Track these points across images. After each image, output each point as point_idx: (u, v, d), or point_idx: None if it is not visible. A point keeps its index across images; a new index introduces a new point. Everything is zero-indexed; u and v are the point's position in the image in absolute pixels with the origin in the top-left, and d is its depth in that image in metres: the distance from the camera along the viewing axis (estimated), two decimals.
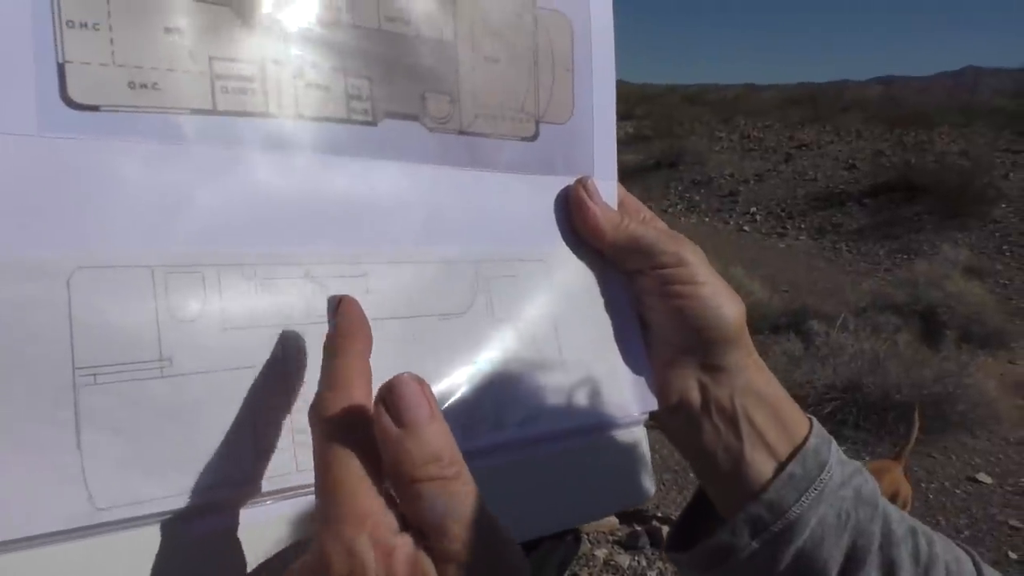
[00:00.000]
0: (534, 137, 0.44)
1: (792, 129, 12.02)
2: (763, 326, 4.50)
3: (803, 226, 8.07)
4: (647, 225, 0.45)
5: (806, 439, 0.43)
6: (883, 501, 0.44)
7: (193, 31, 0.32)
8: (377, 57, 0.37)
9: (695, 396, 0.44)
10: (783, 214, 8.44)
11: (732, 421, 0.44)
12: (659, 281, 0.43)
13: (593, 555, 2.63)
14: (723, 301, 0.43)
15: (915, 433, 2.54)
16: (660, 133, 11.46)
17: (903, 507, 2.35)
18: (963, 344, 4.04)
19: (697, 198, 9.37)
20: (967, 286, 4.77)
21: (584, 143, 0.45)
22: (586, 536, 2.68)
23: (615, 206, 0.46)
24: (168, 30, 0.31)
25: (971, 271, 5.62)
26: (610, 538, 2.74)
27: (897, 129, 10.85)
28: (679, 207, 9.08)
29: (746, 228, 8.25)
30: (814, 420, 0.45)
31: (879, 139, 10.47)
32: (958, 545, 0.45)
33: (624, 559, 2.61)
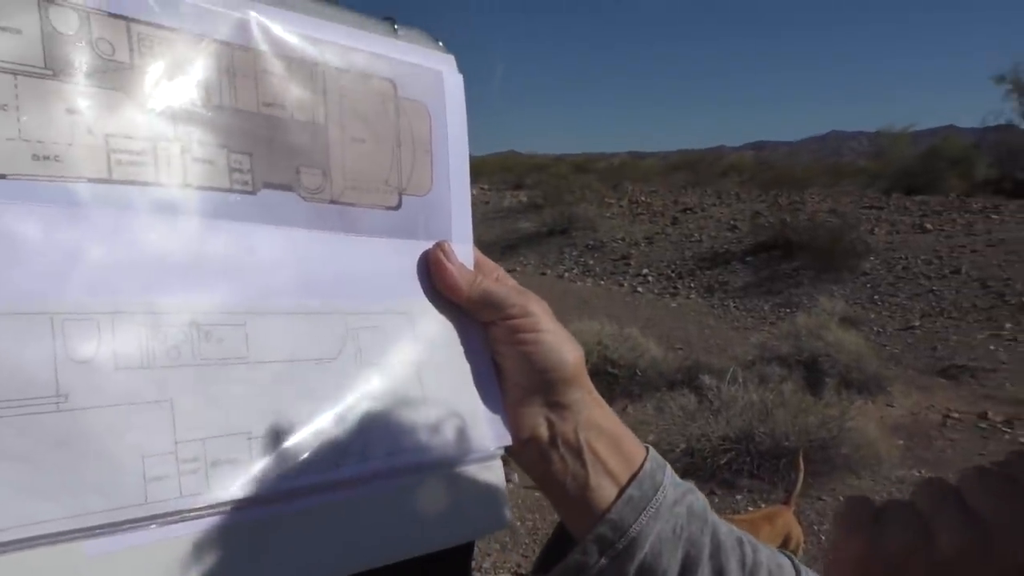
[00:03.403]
0: (398, 207, 0.49)
1: (676, 193, 12.61)
2: (660, 383, 4.63)
3: (693, 285, 8.41)
4: (499, 283, 0.51)
5: (642, 464, 0.49)
6: (712, 515, 0.50)
7: (92, 112, 0.36)
8: (256, 136, 0.42)
9: (544, 431, 0.49)
10: (673, 275, 8.78)
11: (577, 452, 0.48)
12: (508, 330, 0.49)
13: None
14: (563, 347, 0.49)
15: (800, 478, 2.66)
16: (551, 201, 11.77)
17: (796, 549, 2.43)
18: (844, 390, 4.27)
19: (591, 262, 9.64)
20: (845, 335, 5.06)
21: (442, 211, 0.51)
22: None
23: (471, 266, 0.52)
24: (70, 111, 0.35)
25: (847, 321, 5.98)
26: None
27: (772, 191, 11.54)
28: (574, 271, 9.30)
29: (640, 289, 8.51)
30: (650, 448, 0.51)
31: (756, 201, 11.11)
32: (781, 552, 0.52)
33: None
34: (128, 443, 0.34)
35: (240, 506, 0.37)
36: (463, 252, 0.51)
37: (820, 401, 3.84)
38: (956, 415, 4.52)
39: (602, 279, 9.01)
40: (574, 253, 10.03)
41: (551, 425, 0.49)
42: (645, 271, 8.95)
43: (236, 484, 0.37)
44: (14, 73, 0.34)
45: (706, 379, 4.03)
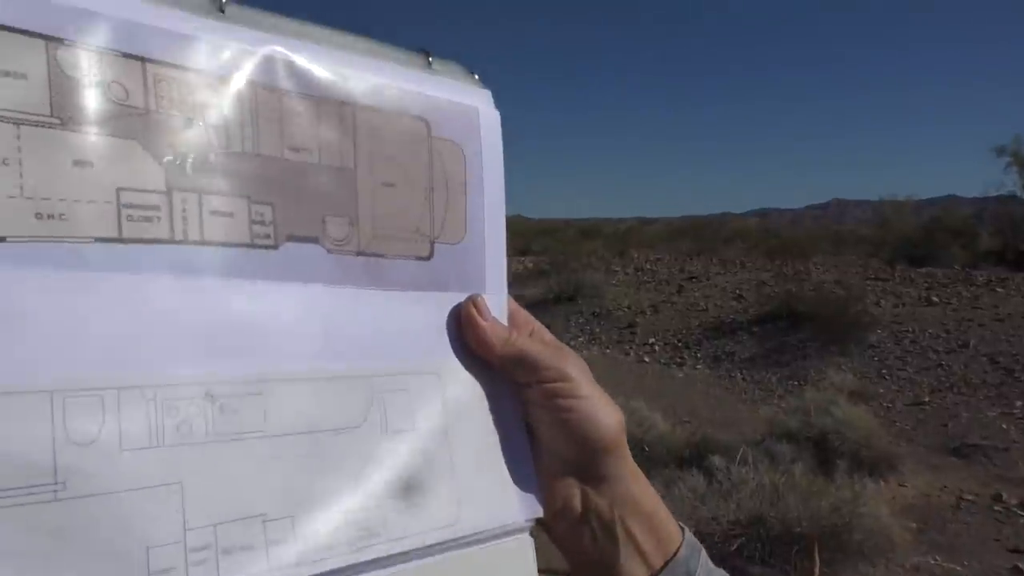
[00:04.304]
0: (429, 257, 0.45)
1: (682, 261, 12.65)
2: (669, 459, 4.56)
3: (699, 355, 8.36)
4: (534, 339, 0.48)
5: (677, 549, 0.46)
6: None
7: (102, 163, 0.33)
8: (280, 183, 0.39)
9: (576, 503, 0.46)
10: (680, 344, 8.74)
11: (610, 529, 0.46)
12: (544, 394, 0.46)
13: None
14: (603, 414, 0.46)
15: (817, 569, 2.60)
16: (558, 268, 11.82)
17: None
18: (855, 470, 4.20)
19: (597, 330, 9.62)
20: (854, 411, 5.00)
21: (476, 261, 0.48)
22: None
23: (505, 320, 0.48)
24: (77, 162, 0.32)
25: (856, 395, 5.91)
26: None
27: (777, 260, 11.58)
28: (580, 339, 9.27)
29: (646, 359, 8.47)
30: (686, 530, 0.49)
31: (761, 270, 11.13)
32: None
33: None
34: (132, 533, 0.31)
35: None
36: (497, 304, 0.48)
37: (831, 483, 3.78)
38: (970, 497, 4.44)
39: (608, 347, 8.98)
40: (580, 320, 10.02)
41: (585, 497, 0.46)
42: (651, 340, 8.92)
43: (250, 573, 0.34)
44: (17, 123, 0.31)
45: (715, 460, 3.97)
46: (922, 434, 5.75)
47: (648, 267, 12.48)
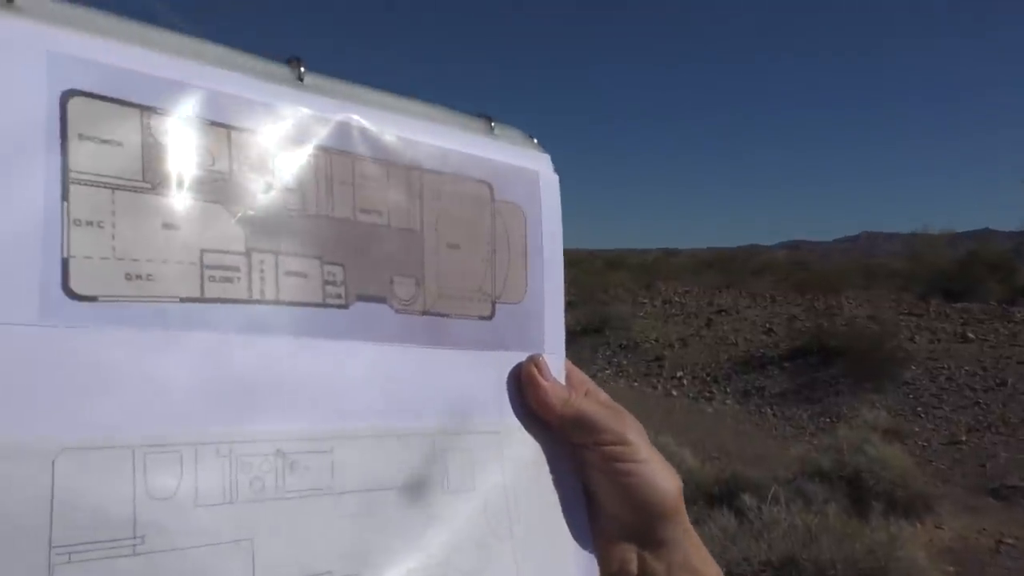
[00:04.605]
0: (491, 316, 0.47)
1: (711, 294, 12.56)
2: (698, 496, 4.49)
3: (728, 390, 8.27)
4: (591, 399, 0.48)
5: None
6: None
7: (188, 226, 0.34)
8: (351, 245, 0.40)
9: (633, 568, 0.46)
10: (708, 378, 8.65)
11: None
12: (602, 457, 0.46)
13: None
14: (662, 480, 0.46)
15: None
16: (585, 299, 11.80)
17: None
18: (890, 511, 4.10)
19: (625, 362, 9.56)
20: (888, 450, 4.89)
21: (536, 321, 0.49)
22: None
23: (563, 380, 0.49)
24: (165, 225, 0.34)
25: (890, 433, 5.79)
26: None
27: (807, 294, 11.45)
28: (607, 372, 9.22)
29: (674, 392, 8.39)
30: None
31: (792, 304, 11.01)
32: None
33: None
34: None
35: None
36: (555, 364, 0.49)
37: (866, 525, 3.68)
38: (1010, 540, 4.31)
39: (635, 380, 8.91)
40: (607, 352, 9.97)
41: (643, 562, 0.46)
42: (679, 373, 8.84)
43: None
44: (112, 188, 0.32)
45: (746, 498, 3.89)
46: (959, 474, 5.61)
47: (676, 299, 12.41)
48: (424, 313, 0.43)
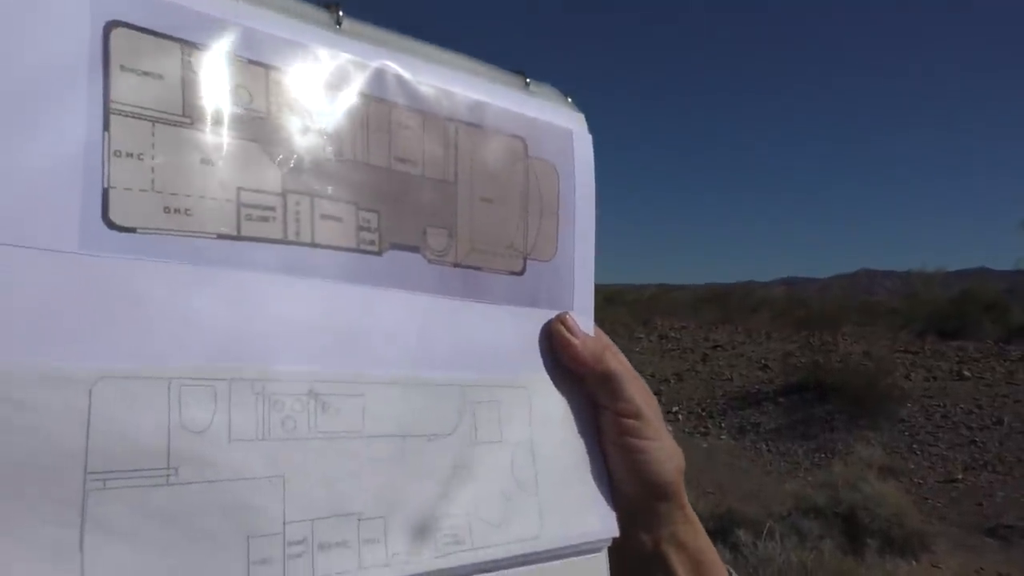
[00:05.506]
0: (521, 272, 0.47)
1: (707, 330, 12.56)
2: None
3: (723, 425, 8.22)
4: (619, 359, 0.49)
5: None
6: None
7: (226, 163, 0.35)
8: (386, 193, 0.41)
9: (621, 536, 0.47)
10: (704, 413, 8.61)
11: (649, 565, 0.47)
12: (617, 429, 0.47)
13: None
14: (667, 461, 0.47)
15: None
16: None
17: None
18: (886, 549, 4.06)
19: None
20: (884, 488, 4.86)
21: (566, 280, 0.49)
22: None
23: None
24: (204, 161, 0.34)
25: (886, 470, 5.76)
26: None
27: (803, 331, 11.45)
28: None
29: (669, 427, 8.31)
30: (733, 573, 0.49)
31: (787, 340, 11.00)
32: None
33: None
34: (235, 523, 0.32)
35: None
36: (585, 324, 0.49)
37: (861, 563, 3.65)
38: None
39: None
40: None
41: (632, 531, 0.47)
42: (675, 408, 8.80)
43: (342, 571, 0.35)
44: (152, 121, 0.32)
45: (740, 533, 3.86)
46: (955, 513, 5.56)
47: (672, 335, 12.40)
48: (456, 265, 0.43)
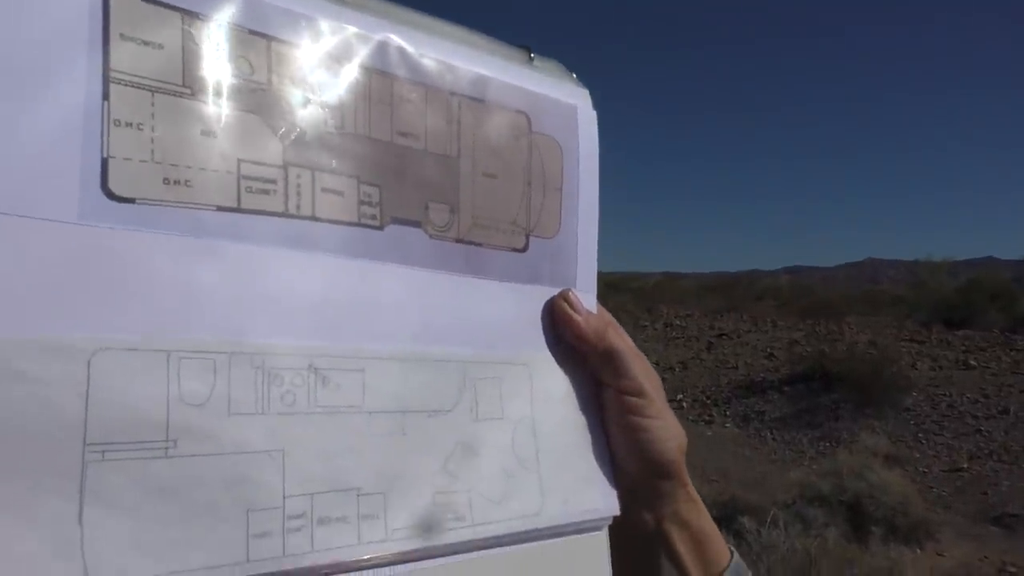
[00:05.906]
0: (524, 249, 0.46)
1: (712, 318, 12.55)
2: None
3: (728, 413, 8.23)
4: (621, 336, 0.48)
5: (723, 572, 0.46)
6: None
7: (226, 135, 0.34)
8: (388, 167, 0.40)
9: (622, 515, 0.46)
10: (708, 401, 8.62)
11: (653, 544, 0.47)
12: (619, 407, 0.46)
13: None
14: (669, 438, 0.47)
15: None
16: None
17: None
18: (890, 537, 4.06)
19: None
20: (889, 476, 4.86)
21: (568, 257, 0.48)
22: None
23: None
24: (205, 132, 0.33)
25: (891, 459, 5.76)
26: None
27: (809, 319, 11.43)
28: None
29: None
30: (735, 553, 0.48)
31: (793, 329, 10.99)
32: None
33: None
34: (235, 496, 0.32)
35: (342, 569, 0.35)
36: (588, 302, 0.48)
37: (866, 550, 3.65)
38: (1012, 569, 4.27)
39: None
40: None
41: (635, 509, 0.47)
42: (679, 396, 8.81)
43: (341, 545, 0.35)
44: (152, 90, 0.32)
45: (745, 521, 3.86)
46: (960, 502, 5.57)
47: (677, 323, 12.40)
48: (458, 241, 0.43)
